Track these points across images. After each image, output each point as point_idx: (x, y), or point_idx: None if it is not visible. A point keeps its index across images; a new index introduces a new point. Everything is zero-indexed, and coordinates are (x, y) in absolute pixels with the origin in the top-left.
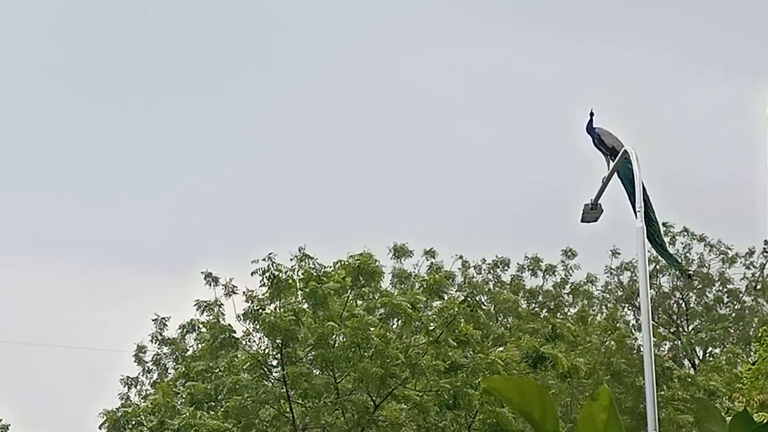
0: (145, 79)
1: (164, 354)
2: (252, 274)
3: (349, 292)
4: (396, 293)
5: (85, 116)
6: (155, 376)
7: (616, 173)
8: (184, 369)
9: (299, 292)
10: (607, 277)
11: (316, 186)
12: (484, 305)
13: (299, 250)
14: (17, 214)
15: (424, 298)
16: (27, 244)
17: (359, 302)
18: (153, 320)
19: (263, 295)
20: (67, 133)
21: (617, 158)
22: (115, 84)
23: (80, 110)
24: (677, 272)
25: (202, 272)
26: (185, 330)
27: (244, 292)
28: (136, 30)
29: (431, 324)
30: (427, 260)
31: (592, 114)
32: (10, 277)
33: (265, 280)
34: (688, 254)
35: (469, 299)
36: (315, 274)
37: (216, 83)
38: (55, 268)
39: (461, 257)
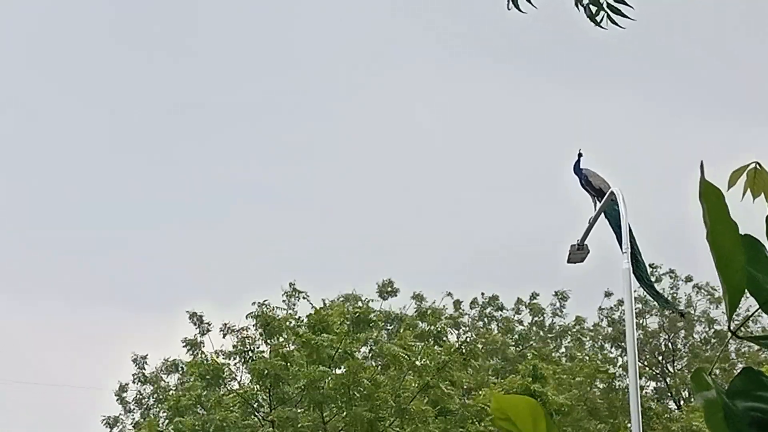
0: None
1: (146, 394)
2: (246, 317)
3: (343, 340)
4: (385, 337)
5: (68, 156)
6: (137, 416)
7: (603, 214)
8: (173, 402)
9: (293, 339)
10: (598, 316)
11: (304, 231)
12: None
13: (290, 286)
14: None
15: (420, 343)
16: (3, 282)
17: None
18: (133, 360)
19: (254, 335)
20: (50, 171)
21: (604, 199)
22: (105, 126)
23: (63, 144)
24: (667, 311)
25: (187, 311)
26: (168, 369)
27: (231, 329)
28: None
29: (423, 370)
30: (415, 304)
31: (579, 155)
32: None
33: (258, 325)
34: (675, 294)
35: (463, 348)
36: (313, 323)
37: (207, 128)
38: (32, 307)
39: (450, 294)
